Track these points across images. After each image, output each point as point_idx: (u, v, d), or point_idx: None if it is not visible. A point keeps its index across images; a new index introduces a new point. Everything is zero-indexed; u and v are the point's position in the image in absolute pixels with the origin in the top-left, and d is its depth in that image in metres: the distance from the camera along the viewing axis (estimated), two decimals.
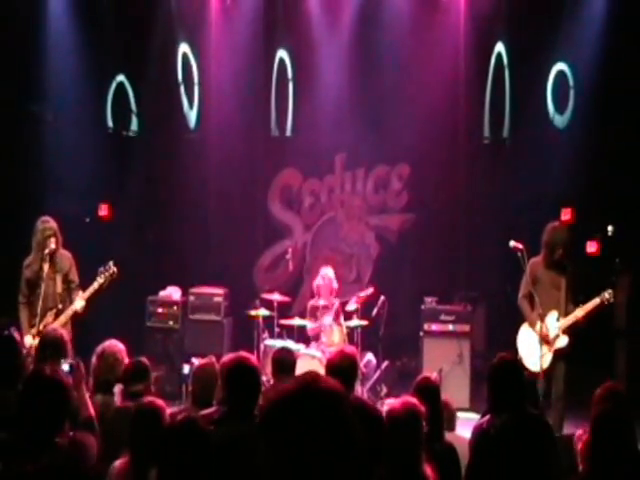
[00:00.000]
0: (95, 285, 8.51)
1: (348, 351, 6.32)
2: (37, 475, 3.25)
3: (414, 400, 4.65)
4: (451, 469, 5.00)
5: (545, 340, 8.59)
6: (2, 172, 11.90)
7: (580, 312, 8.64)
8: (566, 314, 8.70)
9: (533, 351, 8.59)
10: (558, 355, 8.64)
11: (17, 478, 3.27)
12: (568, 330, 8.68)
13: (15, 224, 11.17)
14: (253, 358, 5.24)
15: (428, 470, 4.45)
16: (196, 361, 9.96)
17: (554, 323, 8.67)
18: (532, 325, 8.74)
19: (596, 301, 8.65)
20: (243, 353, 5.31)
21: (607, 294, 8.66)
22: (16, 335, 5.78)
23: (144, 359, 6.38)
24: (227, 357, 5.84)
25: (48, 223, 8.73)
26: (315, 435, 2.01)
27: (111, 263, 8.60)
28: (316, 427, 2.01)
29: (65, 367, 5.74)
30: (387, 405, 4.85)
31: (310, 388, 2.07)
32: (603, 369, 9.99)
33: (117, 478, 4.53)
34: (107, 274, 8.52)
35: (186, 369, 10.43)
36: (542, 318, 8.58)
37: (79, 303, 8.48)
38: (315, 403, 2.04)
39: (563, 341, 8.66)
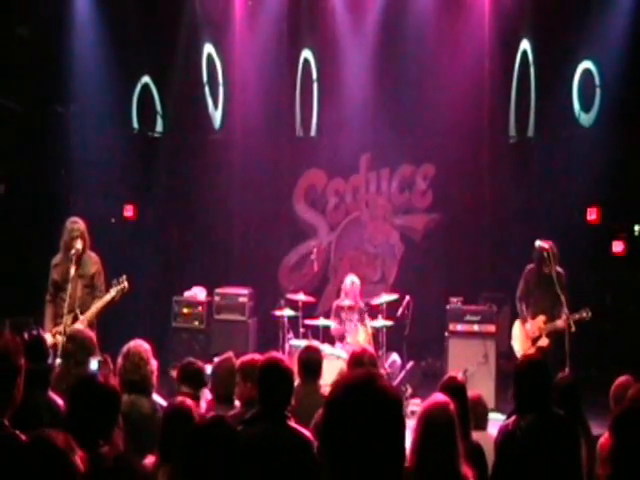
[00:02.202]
0: (107, 297, 8.51)
1: (369, 349, 7.00)
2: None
3: (445, 398, 4.64)
4: (478, 469, 4.97)
5: (530, 338, 9.71)
6: (28, 173, 12.00)
7: (560, 323, 9.40)
8: (553, 319, 9.55)
9: (522, 345, 9.76)
10: (542, 352, 9.20)
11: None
12: (550, 334, 9.60)
13: (41, 224, 11.26)
14: (286, 360, 5.25)
15: (467, 471, 4.44)
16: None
17: (540, 325, 9.67)
18: (522, 323, 9.86)
19: (564, 324, 9.37)
20: (276, 354, 5.32)
21: (584, 313, 9.40)
22: (44, 336, 5.82)
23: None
24: (258, 357, 5.87)
25: (76, 224, 8.74)
26: (374, 420, 2.36)
27: (124, 277, 8.58)
28: (375, 414, 2.36)
29: (94, 364, 5.80)
30: (417, 405, 4.84)
31: (373, 381, 2.43)
32: (631, 372, 9.89)
33: (149, 476, 4.55)
34: (119, 288, 8.52)
35: (208, 369, 10.47)
36: (533, 318, 9.73)
37: (110, 294, 8.48)
38: (376, 394, 2.40)
39: (543, 342, 9.62)
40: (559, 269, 9.56)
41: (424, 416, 4.44)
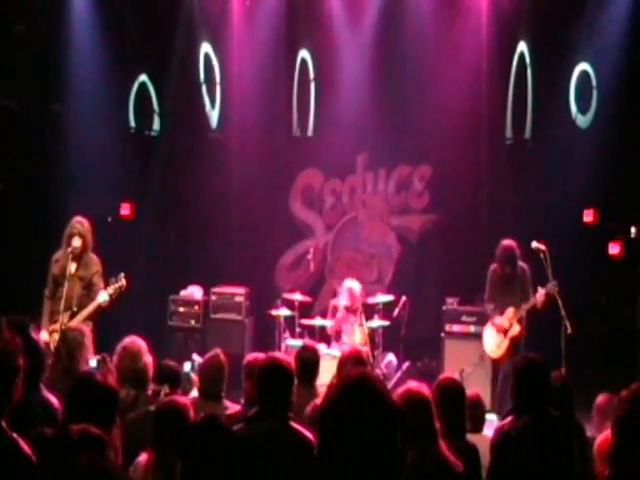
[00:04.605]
0: (105, 294, 8.54)
1: (358, 349, 7.16)
2: (93, 469, 3.27)
3: (417, 385, 4.69)
4: (470, 468, 4.96)
5: (502, 331, 9.80)
6: (25, 171, 11.99)
7: (528, 305, 9.68)
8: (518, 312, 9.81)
9: (492, 341, 9.93)
10: (514, 342, 9.72)
11: (72, 471, 3.28)
12: (522, 320, 9.79)
13: (38, 223, 11.25)
14: (287, 359, 5.24)
15: (449, 455, 4.47)
16: (197, 358, 10.06)
17: (509, 316, 9.77)
18: (492, 323, 9.93)
19: (533, 301, 9.65)
20: (278, 354, 5.33)
21: (551, 286, 9.51)
22: (36, 335, 5.79)
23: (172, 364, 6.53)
24: (259, 357, 5.89)
25: (78, 223, 8.78)
26: (369, 416, 2.40)
27: (122, 275, 8.61)
28: (370, 410, 2.41)
29: (93, 363, 5.81)
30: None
31: (367, 379, 2.49)
32: (626, 373, 9.92)
33: (143, 473, 4.54)
34: (116, 285, 8.54)
35: (187, 366, 10.51)
36: (502, 314, 9.81)
37: (102, 296, 8.50)
38: (370, 391, 2.46)
39: (515, 330, 9.74)
40: (523, 265, 9.76)
41: (401, 400, 4.48)
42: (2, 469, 3.73)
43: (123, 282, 8.55)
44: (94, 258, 8.85)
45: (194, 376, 8.61)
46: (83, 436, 3.39)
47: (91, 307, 8.52)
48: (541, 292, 9.49)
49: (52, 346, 7.89)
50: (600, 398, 6.16)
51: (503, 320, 9.78)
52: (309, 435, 4.69)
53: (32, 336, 5.58)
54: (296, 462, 4.57)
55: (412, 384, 4.74)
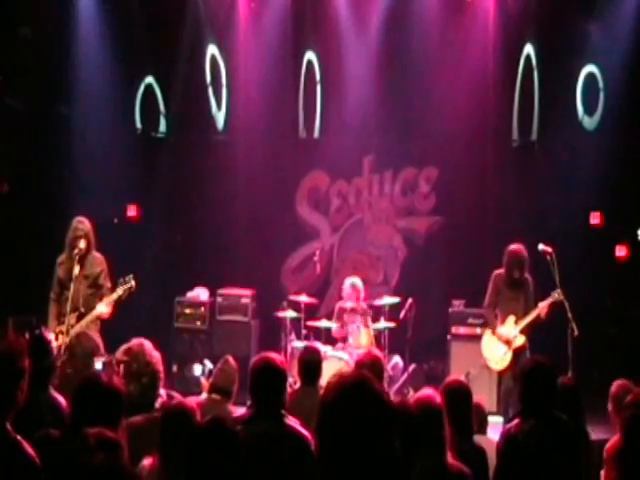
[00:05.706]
0: (114, 296, 8.54)
1: (375, 352, 6.90)
2: (102, 468, 3.28)
3: (430, 393, 4.67)
4: (478, 471, 4.96)
5: (505, 342, 9.50)
6: (32, 172, 12.01)
7: (532, 315, 9.44)
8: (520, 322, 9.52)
9: (496, 352, 9.62)
10: (518, 353, 9.41)
11: (82, 471, 3.29)
12: (525, 330, 9.48)
13: (44, 224, 11.27)
14: (279, 358, 5.22)
15: (456, 463, 4.46)
16: (208, 363, 10.09)
17: (512, 325, 9.49)
18: (493, 332, 9.67)
19: (538, 310, 9.43)
20: (269, 353, 5.30)
21: (555, 295, 9.33)
22: (47, 335, 5.81)
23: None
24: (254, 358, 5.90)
25: (81, 224, 8.77)
26: (366, 416, 2.43)
27: (131, 276, 8.59)
28: (367, 409, 2.44)
29: (98, 365, 5.81)
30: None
31: (364, 379, 2.52)
32: (633, 375, 9.89)
33: (147, 477, 4.53)
34: (126, 287, 8.53)
35: (197, 370, 10.50)
36: (502, 323, 9.57)
37: (101, 308, 8.51)
38: (368, 391, 2.49)
39: (519, 341, 9.46)
40: (528, 275, 9.62)
41: (412, 407, 4.47)
42: (5, 471, 3.72)
43: (132, 283, 8.54)
44: (98, 256, 8.86)
45: (204, 381, 8.63)
46: (99, 439, 3.39)
47: (90, 317, 8.50)
48: (544, 303, 9.37)
49: (61, 347, 7.93)
50: (614, 386, 6.12)
51: (506, 332, 9.53)
52: (305, 432, 4.69)
53: (42, 336, 5.60)
54: (294, 460, 4.57)
55: (425, 391, 4.72)
